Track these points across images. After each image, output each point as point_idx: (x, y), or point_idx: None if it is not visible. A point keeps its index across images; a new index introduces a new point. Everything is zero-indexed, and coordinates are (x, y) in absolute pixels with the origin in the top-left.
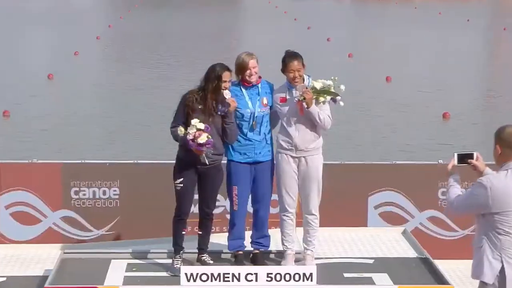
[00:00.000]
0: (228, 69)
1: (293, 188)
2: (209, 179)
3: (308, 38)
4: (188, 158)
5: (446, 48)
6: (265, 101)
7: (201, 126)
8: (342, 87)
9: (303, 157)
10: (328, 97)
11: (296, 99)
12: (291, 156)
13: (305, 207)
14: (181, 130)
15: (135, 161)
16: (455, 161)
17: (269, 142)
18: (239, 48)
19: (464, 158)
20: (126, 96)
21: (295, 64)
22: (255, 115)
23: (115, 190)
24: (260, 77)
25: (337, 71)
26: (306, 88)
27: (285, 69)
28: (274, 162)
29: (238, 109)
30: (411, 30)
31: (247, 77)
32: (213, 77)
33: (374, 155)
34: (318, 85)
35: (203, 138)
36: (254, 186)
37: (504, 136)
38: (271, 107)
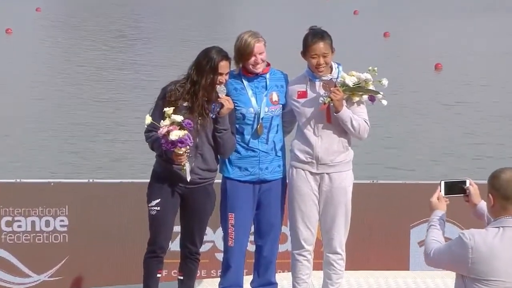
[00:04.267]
0: (227, 57)
1: (312, 217)
2: (196, 204)
3: (329, 11)
4: (167, 173)
5: None
6: (275, 97)
7: (178, 118)
8: (385, 82)
9: (327, 174)
10: (365, 96)
11: (320, 100)
12: (311, 173)
13: (328, 243)
14: (146, 118)
15: (90, 180)
16: (441, 191)
17: (280, 153)
18: (237, 26)
19: (454, 187)
20: (74, 91)
21: (321, 46)
22: (261, 116)
23: (62, 220)
24: (268, 65)
25: (370, 55)
26: (335, 85)
27: (306, 52)
28: (287, 181)
29: (237, 108)
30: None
31: (250, 66)
32: (208, 69)
33: (419, 172)
34: (350, 80)
35: (176, 134)
36: (258, 213)
37: (498, 184)
38: (284, 106)
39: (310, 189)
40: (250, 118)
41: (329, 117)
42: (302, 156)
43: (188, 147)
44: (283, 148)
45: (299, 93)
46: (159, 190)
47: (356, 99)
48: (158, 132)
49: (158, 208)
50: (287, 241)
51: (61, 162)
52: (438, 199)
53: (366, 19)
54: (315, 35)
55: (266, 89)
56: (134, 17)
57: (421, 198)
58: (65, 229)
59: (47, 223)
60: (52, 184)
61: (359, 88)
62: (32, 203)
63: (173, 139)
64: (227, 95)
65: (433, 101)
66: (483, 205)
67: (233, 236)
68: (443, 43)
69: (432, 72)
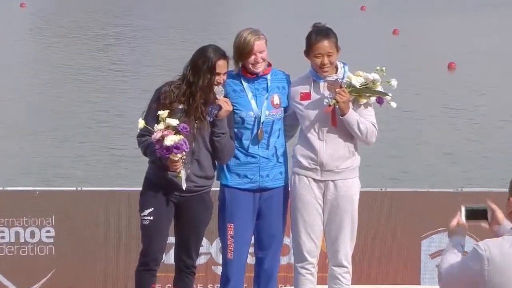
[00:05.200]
0: (224, 56)
1: (315, 227)
2: (191, 214)
3: (334, 7)
4: (161, 180)
5: None
6: (276, 100)
7: (174, 122)
8: (394, 82)
9: (332, 181)
10: (373, 98)
11: (325, 102)
12: (315, 180)
13: (333, 255)
14: (140, 122)
15: (77, 188)
16: (462, 217)
17: (281, 160)
18: (235, 23)
19: (476, 213)
20: (58, 93)
21: (325, 45)
22: (261, 121)
23: (48, 231)
24: (270, 65)
25: (378, 54)
26: (340, 86)
27: (310, 51)
28: (289, 188)
29: (236, 111)
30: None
31: (250, 66)
32: (205, 69)
33: (430, 179)
34: (357, 81)
35: (171, 139)
36: (258, 224)
37: None
38: (285, 109)
39: (313, 197)
40: (250, 122)
41: (334, 120)
42: (305, 162)
43: (184, 153)
44: (285, 154)
45: (302, 94)
46: (153, 198)
47: (363, 101)
48: (152, 137)
49: (151, 218)
50: (290, 253)
51: (47, 169)
52: (458, 224)
53: (374, 15)
54: (319, 32)
55: (267, 91)
56: (122, 14)
57: (432, 207)
58: (51, 240)
59: (32, 234)
60: (37, 192)
61: (366, 89)
62: (16, 212)
63: (168, 145)
64: (225, 96)
65: (446, 103)
66: (507, 224)
67: (232, 248)
68: (457, 41)
69: (446, 72)
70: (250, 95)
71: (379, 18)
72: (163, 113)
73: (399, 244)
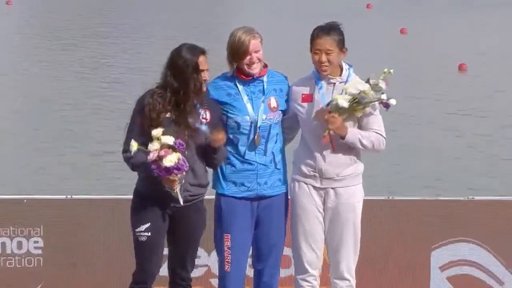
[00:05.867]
0: (203, 52)
1: (316, 236)
2: (187, 225)
3: (339, 5)
4: (154, 192)
5: None
6: (273, 103)
7: (169, 140)
8: (382, 84)
9: (333, 189)
10: (368, 109)
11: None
12: (315, 187)
13: (334, 267)
14: (133, 145)
15: (68, 196)
16: None
17: (280, 166)
18: (235, 22)
19: None
20: (49, 96)
21: (324, 42)
22: (258, 125)
23: (36, 242)
24: (266, 66)
25: (385, 54)
26: (329, 111)
27: (311, 48)
28: (289, 197)
29: (232, 116)
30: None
31: (245, 67)
32: (190, 71)
33: (439, 187)
34: (344, 99)
35: (170, 159)
36: (257, 233)
37: None
38: (284, 112)
39: (314, 205)
40: (246, 127)
41: (333, 146)
42: (305, 169)
43: (184, 172)
44: (283, 160)
45: (303, 96)
46: (148, 213)
47: (359, 114)
48: (148, 158)
49: (149, 234)
50: (290, 264)
51: (35, 176)
52: None
53: (381, 13)
54: (322, 28)
55: (263, 94)
56: (112, 13)
57: (442, 216)
58: (39, 251)
59: (20, 245)
60: (25, 200)
61: (357, 104)
62: (3, 222)
63: (168, 166)
64: (214, 108)
65: (457, 107)
66: None
67: (229, 260)
68: (465, 41)
69: (456, 74)
70: (245, 98)
71: (386, 17)
72: (157, 132)
73: (407, 255)
